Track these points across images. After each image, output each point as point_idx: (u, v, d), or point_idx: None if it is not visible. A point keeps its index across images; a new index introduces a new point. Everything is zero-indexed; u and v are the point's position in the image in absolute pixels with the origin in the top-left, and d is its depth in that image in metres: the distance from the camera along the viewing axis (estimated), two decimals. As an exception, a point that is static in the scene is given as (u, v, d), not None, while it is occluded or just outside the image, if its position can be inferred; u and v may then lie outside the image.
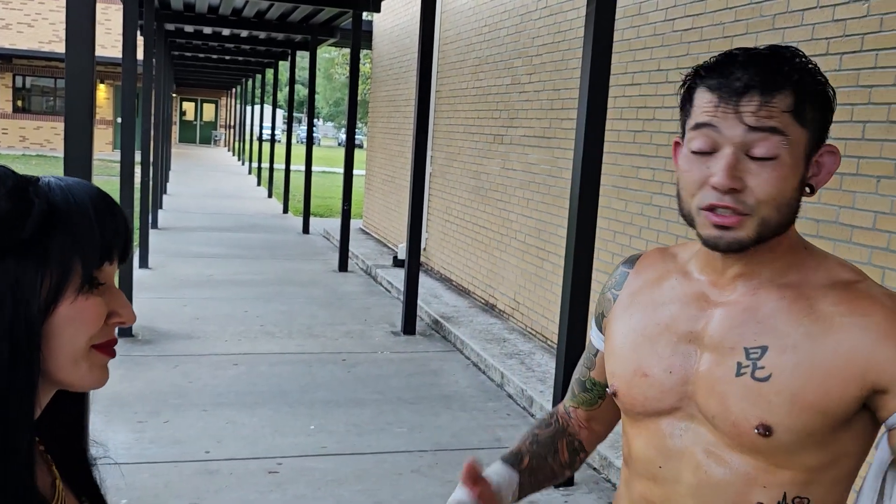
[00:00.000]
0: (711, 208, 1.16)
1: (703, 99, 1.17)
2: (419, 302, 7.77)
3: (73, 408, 1.00)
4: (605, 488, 4.29)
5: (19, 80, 29.78)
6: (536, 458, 1.45)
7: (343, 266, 10.13)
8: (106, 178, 19.87)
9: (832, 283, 1.19)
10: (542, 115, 6.83)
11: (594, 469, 4.50)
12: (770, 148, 1.13)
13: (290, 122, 15.78)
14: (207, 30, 13.77)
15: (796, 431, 1.15)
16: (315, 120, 69.41)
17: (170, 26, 13.54)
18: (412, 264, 7.03)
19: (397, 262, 10.01)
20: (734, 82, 1.14)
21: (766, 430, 1.16)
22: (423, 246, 9.93)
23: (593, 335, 1.50)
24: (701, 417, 1.22)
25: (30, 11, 28.60)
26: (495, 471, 1.38)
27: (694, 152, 1.17)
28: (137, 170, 8.22)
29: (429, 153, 9.66)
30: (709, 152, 1.16)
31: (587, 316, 4.17)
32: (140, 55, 9.86)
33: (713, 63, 1.17)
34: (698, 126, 1.16)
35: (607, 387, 1.42)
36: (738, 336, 1.20)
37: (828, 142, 1.22)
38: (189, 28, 13.80)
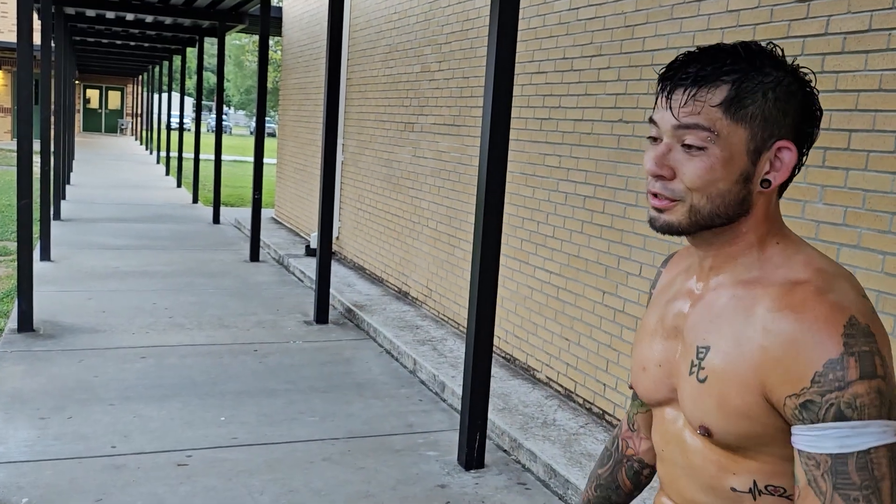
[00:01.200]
0: (652, 193, 1.22)
1: (657, 95, 1.23)
2: (332, 291, 7.74)
3: None
4: (515, 469, 4.37)
5: None
6: (604, 500, 1.61)
7: (255, 256, 10.01)
8: (5, 168, 19.12)
9: (783, 282, 1.17)
10: (452, 102, 6.87)
11: (504, 451, 4.58)
12: (695, 140, 1.17)
13: (198, 110, 15.44)
14: (110, 14, 13.33)
15: (732, 434, 1.18)
16: (226, 108, 68.18)
17: (70, 10, 13.07)
18: (324, 253, 6.99)
19: (310, 252, 9.94)
20: (674, 78, 1.19)
21: (706, 432, 1.21)
22: (335, 235, 9.88)
23: None
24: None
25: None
26: None
27: (649, 139, 1.24)
28: (37, 159, 7.93)
29: (340, 141, 9.61)
30: (657, 140, 1.23)
31: (495, 301, 4.23)
32: (38, 40, 9.49)
33: (672, 61, 1.22)
34: (650, 120, 1.23)
35: None
36: (695, 334, 1.25)
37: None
38: (91, 12, 13.34)
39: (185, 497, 3.81)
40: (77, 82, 32.54)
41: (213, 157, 13.27)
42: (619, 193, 4.74)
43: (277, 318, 7.20)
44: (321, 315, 7.08)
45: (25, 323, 6.21)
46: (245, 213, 13.24)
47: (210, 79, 39.73)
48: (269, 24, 9.81)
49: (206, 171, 19.32)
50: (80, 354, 5.80)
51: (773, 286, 1.17)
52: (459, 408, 5.08)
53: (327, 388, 5.43)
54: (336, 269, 9.05)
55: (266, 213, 13.83)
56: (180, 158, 18.54)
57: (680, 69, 1.19)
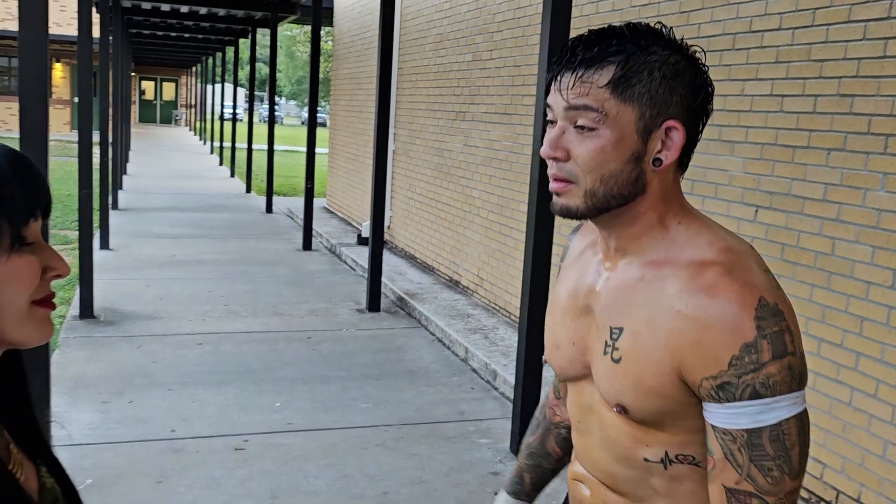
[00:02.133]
0: (550, 177, 1.24)
1: (550, 79, 1.24)
2: (384, 279, 7.80)
3: (15, 374, 1.02)
4: (568, 458, 4.37)
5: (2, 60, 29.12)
6: (534, 471, 1.64)
7: (307, 245, 10.12)
8: (64, 158, 19.58)
9: (690, 262, 1.19)
10: (504, 91, 6.85)
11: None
12: (586, 121, 1.18)
13: (251, 100, 15.63)
14: (165, 7, 13.56)
15: (647, 411, 1.22)
16: (277, 98, 68.83)
17: (126, 3, 13.31)
18: (376, 241, 7.05)
19: (361, 240, 10.02)
20: (563, 61, 1.21)
21: (622, 409, 1.24)
22: (387, 224, 9.94)
23: None
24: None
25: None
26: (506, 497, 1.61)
27: (549, 126, 1.24)
28: (96, 150, 8.13)
29: (392, 131, 9.65)
30: (553, 123, 1.24)
31: (548, 290, 4.23)
32: (97, 33, 9.71)
33: (563, 45, 1.23)
34: (545, 104, 1.24)
35: None
36: (608, 314, 1.26)
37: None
38: (146, 5, 13.58)
39: (241, 480, 3.89)
40: (133, 74, 33.17)
41: (265, 146, 13.40)
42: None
43: (330, 306, 7.28)
44: (373, 303, 7.13)
45: (86, 310, 6.37)
46: (297, 203, 13.38)
47: (262, 69, 40.09)
48: (321, 14, 9.88)
49: (259, 160, 19.56)
50: (139, 340, 5.94)
51: (681, 267, 1.19)
52: (511, 396, 5.09)
53: (380, 376, 5.49)
54: (387, 258, 9.11)
55: (318, 202, 13.97)
56: (233, 149, 18.80)
57: (568, 52, 1.20)
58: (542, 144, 1.22)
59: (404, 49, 9.38)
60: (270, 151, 12.90)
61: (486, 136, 7.17)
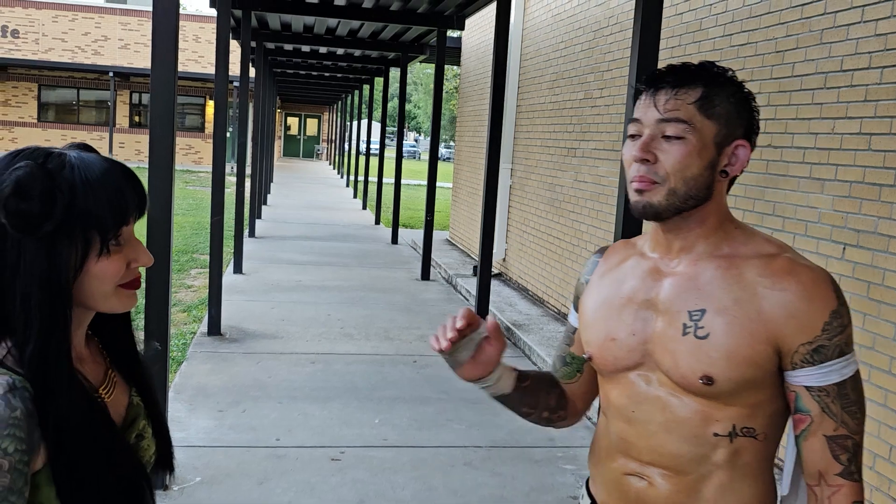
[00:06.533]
0: (636, 178, 1.46)
1: (638, 100, 1.49)
2: (493, 310, 8.02)
3: (120, 317, 1.36)
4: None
5: (136, 96, 31.49)
6: (534, 385, 1.70)
7: (426, 275, 10.47)
8: (209, 188, 20.86)
9: (758, 255, 1.44)
10: (612, 128, 7.00)
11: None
12: (676, 130, 1.42)
13: (382, 135, 16.29)
14: (305, 48, 14.40)
15: (734, 381, 1.40)
16: (416, 135, 70.26)
17: (270, 45, 14.23)
18: (484, 272, 7.29)
19: (477, 272, 10.27)
20: (655, 83, 1.46)
21: (708, 380, 1.42)
22: (502, 256, 10.18)
23: (571, 317, 1.77)
24: (659, 370, 1.48)
25: (146, 32, 30.22)
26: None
27: (628, 138, 1.49)
28: (247, 183, 8.76)
29: (508, 166, 9.92)
30: (638, 136, 1.47)
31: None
32: (251, 73, 10.44)
33: (651, 72, 1.49)
34: (632, 119, 1.47)
35: (584, 360, 1.71)
36: (683, 301, 1.46)
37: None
38: (288, 46, 14.48)
39: (334, 487, 4.19)
40: (279, 111, 34.91)
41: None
42: (767, 218, 4.72)
43: (439, 333, 7.54)
44: (480, 332, 7.35)
45: (214, 327, 6.90)
46: (421, 235, 13.81)
47: (398, 106, 41.71)
48: (444, 54, 10.31)
49: (390, 194, 20.23)
50: (258, 357, 6.39)
51: (751, 258, 1.44)
52: (602, 425, 5.18)
53: (477, 400, 5.70)
54: (500, 290, 9.34)
55: (442, 234, 14.37)
56: (366, 182, 19.56)
57: (661, 77, 1.46)
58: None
59: (523, 87, 9.66)
60: (398, 185, 13.42)
61: (595, 171, 7.32)
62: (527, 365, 6.67)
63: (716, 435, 1.44)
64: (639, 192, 1.45)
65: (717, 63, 1.47)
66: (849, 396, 1.38)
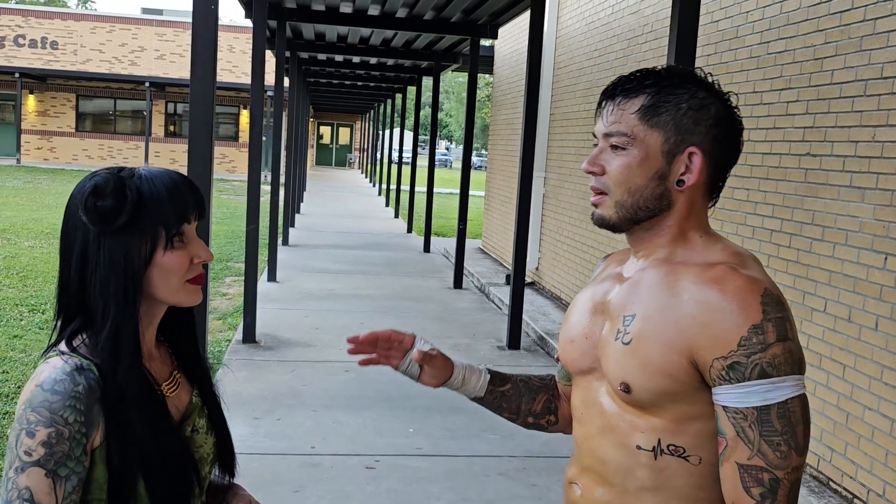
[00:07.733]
0: (592, 189, 1.47)
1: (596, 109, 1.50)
2: (526, 319, 8.00)
3: (186, 318, 1.52)
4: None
5: (171, 106, 31.91)
6: (515, 391, 1.71)
7: (458, 283, 10.47)
8: (242, 196, 21.04)
9: (703, 262, 1.36)
10: (647, 136, 6.96)
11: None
12: (619, 142, 1.40)
13: (415, 144, 16.34)
14: (339, 57, 14.51)
15: (650, 391, 1.34)
16: (449, 143, 70.35)
17: (303, 55, 14.35)
18: (517, 281, 7.28)
19: (510, 280, 10.25)
20: (606, 94, 1.45)
21: (626, 388, 1.37)
22: (535, 265, 10.15)
23: None
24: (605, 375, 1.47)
25: (181, 42, 30.64)
26: (471, 364, 1.71)
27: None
28: (282, 191, 8.81)
29: (542, 175, 9.90)
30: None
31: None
32: (286, 83, 10.56)
33: (606, 86, 1.48)
34: (592, 134, 1.49)
35: None
36: (622, 305, 1.43)
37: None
38: (322, 56, 14.60)
39: (369, 495, 4.19)
40: (311, 120, 35.16)
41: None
42: (806, 228, 4.66)
43: (472, 342, 7.55)
44: (513, 341, 7.35)
45: (249, 335, 6.95)
46: (454, 243, 13.82)
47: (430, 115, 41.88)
48: (477, 63, 10.32)
49: (422, 202, 20.28)
50: (293, 365, 6.43)
51: (693, 265, 1.37)
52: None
53: (511, 410, 5.67)
54: (534, 299, 9.31)
55: (474, 243, 14.37)
56: (398, 190, 19.62)
57: (612, 88, 1.44)
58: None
59: (556, 95, 9.64)
60: (430, 193, 13.45)
61: (630, 180, 7.27)
62: (560, 374, 6.63)
63: (639, 448, 1.37)
64: (594, 205, 1.45)
65: (680, 66, 1.43)
66: (771, 425, 1.24)
